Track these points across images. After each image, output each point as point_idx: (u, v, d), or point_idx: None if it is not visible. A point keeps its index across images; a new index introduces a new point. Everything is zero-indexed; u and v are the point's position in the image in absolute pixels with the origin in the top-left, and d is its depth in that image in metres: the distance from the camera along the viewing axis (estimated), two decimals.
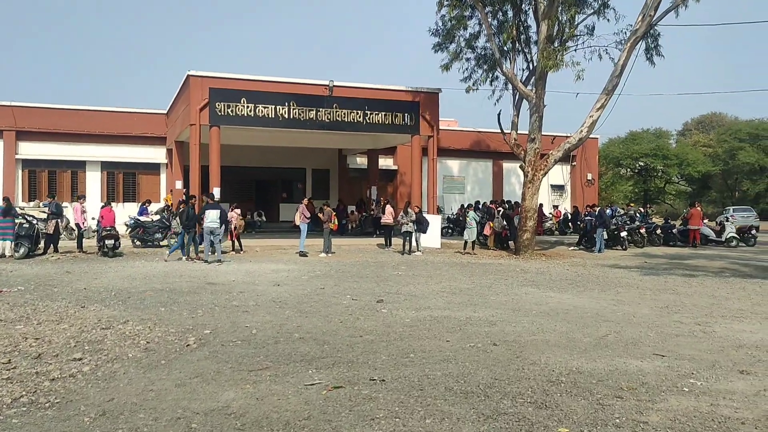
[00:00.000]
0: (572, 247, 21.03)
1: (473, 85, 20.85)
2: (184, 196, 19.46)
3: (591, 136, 20.57)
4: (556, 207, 31.52)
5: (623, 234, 20.67)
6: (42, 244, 16.72)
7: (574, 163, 32.62)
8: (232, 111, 19.15)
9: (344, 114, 20.40)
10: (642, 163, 45.40)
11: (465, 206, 24.60)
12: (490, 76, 20.96)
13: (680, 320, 8.40)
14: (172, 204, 22.93)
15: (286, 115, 19.75)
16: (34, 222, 16.67)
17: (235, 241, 17.98)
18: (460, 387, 5.22)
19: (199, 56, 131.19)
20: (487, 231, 20.38)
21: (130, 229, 19.28)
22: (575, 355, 6.39)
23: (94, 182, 25.84)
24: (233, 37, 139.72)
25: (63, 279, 11.98)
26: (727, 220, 24.27)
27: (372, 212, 24.43)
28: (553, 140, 23.29)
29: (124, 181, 26.42)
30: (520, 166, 19.74)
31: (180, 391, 5.08)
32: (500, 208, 22.71)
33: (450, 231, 25.71)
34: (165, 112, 25.91)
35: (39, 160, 25.09)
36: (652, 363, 6.11)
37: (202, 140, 19.14)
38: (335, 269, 14.11)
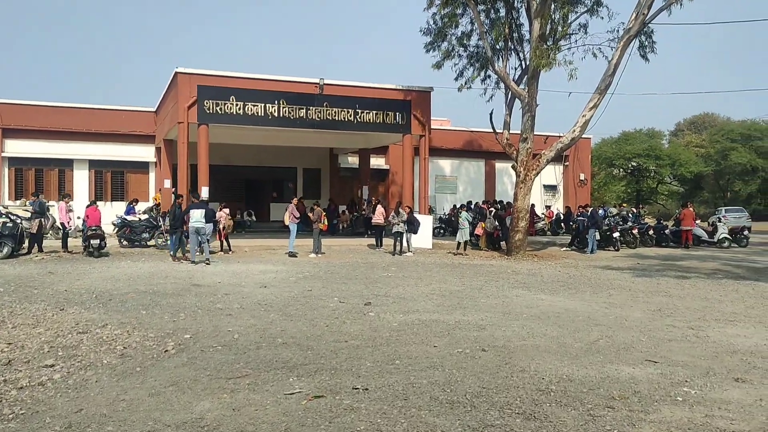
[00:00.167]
0: (564, 248, 20.89)
1: (465, 83, 20.68)
2: (173, 196, 19.23)
3: (584, 136, 20.42)
4: (548, 207, 31.42)
5: (615, 235, 20.54)
6: (26, 244, 16.42)
7: (567, 163, 32.52)
8: (220, 109, 18.89)
9: (335, 113, 20.18)
10: (634, 164, 45.43)
11: (457, 206, 24.46)
12: (482, 74, 20.80)
13: (673, 324, 8.24)
14: (160, 204, 22.70)
15: (276, 114, 19.50)
16: (18, 221, 16.37)
17: (224, 241, 17.75)
18: (446, 396, 5.02)
19: (191, 53, 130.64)
20: (478, 231, 20.23)
21: (117, 229, 18.99)
22: (566, 361, 6.20)
23: (81, 181, 25.52)
24: (223, 34, 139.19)
25: (45, 280, 11.71)
26: (720, 221, 24.22)
27: (363, 212, 24.22)
28: (546, 140, 23.19)
29: (112, 180, 26.09)
30: (512, 166, 19.58)
31: (153, 401, 4.85)
32: (492, 209, 22.56)
33: (442, 231, 25.54)
34: (154, 109, 25.61)
35: (26, 158, 24.71)
36: (645, 370, 5.93)
37: (191, 138, 18.88)
38: (324, 270, 13.89)
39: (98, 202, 20.16)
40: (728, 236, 22.41)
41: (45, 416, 4.52)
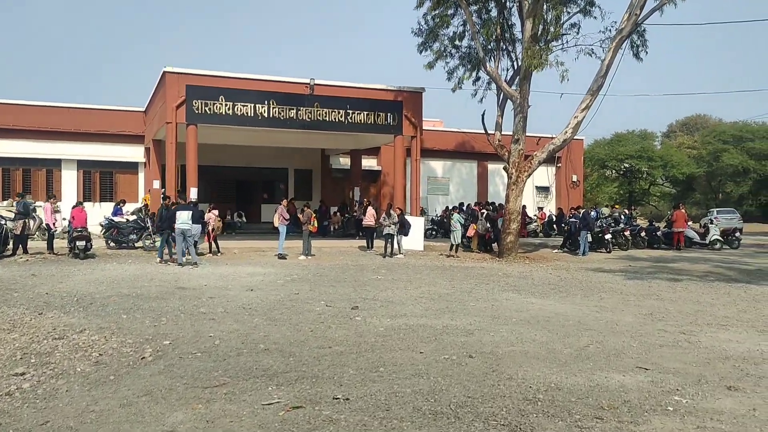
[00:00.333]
0: (556, 250, 20.77)
1: (458, 83, 20.53)
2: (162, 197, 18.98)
3: (576, 137, 20.31)
4: (541, 209, 31.32)
5: (607, 237, 20.43)
6: (11, 245, 16.15)
7: (560, 164, 32.44)
8: (209, 109, 18.67)
9: (326, 113, 19.99)
10: (627, 165, 45.39)
11: (449, 208, 24.31)
12: (474, 75, 20.66)
13: (664, 328, 8.09)
14: (149, 205, 22.44)
15: (266, 114, 19.30)
16: (3, 222, 16.09)
17: (212, 242, 17.51)
18: (430, 406, 4.85)
19: (180, 53, 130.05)
20: (470, 233, 20.07)
21: (104, 230, 18.73)
22: (554, 368, 6.04)
23: (70, 181, 25.21)
24: (212, 33, 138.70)
25: (27, 282, 11.46)
26: (711, 222, 24.18)
27: (354, 213, 24.03)
28: (538, 141, 23.02)
29: (101, 180, 25.79)
30: (504, 168, 19.44)
31: (124, 413, 4.65)
32: (484, 210, 22.41)
33: (434, 233, 25.39)
34: (143, 109, 25.34)
35: (13, 158, 24.38)
36: (635, 377, 5.78)
37: (179, 139, 18.65)
38: (313, 273, 13.69)
39: (86, 203, 19.96)
40: (720, 238, 22.34)
41: (8, 429, 4.31)
